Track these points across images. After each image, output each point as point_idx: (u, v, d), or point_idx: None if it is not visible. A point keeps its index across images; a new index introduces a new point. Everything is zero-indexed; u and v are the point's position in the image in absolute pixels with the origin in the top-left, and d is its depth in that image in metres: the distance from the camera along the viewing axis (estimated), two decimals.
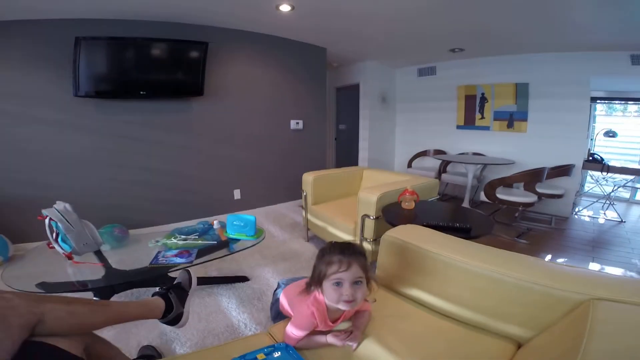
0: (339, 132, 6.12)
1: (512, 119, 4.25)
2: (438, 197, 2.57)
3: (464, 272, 1.16)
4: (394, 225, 1.61)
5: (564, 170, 3.59)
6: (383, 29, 3.38)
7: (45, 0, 2.31)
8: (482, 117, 4.54)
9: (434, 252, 1.25)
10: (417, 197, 2.06)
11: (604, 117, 4.75)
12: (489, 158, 4.28)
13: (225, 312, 1.90)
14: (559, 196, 3.50)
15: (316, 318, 1.03)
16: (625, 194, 4.58)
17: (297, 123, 4.14)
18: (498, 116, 4.38)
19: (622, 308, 0.83)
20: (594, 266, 2.67)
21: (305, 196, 2.87)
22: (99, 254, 1.82)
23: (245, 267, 2.49)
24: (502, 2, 2.52)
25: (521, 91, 4.09)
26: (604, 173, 3.80)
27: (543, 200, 3.49)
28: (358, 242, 2.20)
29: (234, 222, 2.08)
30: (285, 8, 2.80)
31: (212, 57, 3.21)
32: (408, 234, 1.41)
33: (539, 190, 3.37)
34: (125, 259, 1.85)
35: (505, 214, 3.84)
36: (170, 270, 1.73)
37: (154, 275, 1.76)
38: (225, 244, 2.04)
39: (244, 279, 2.29)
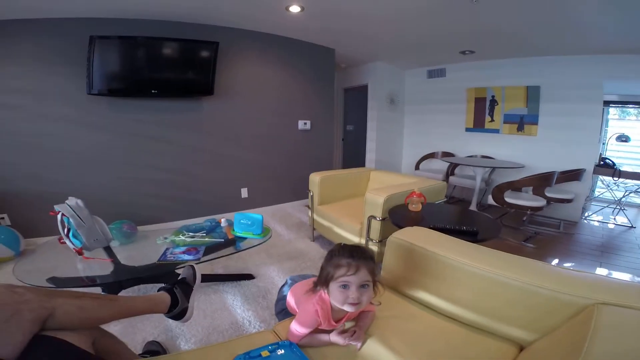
0: (347, 133, 6.12)
1: (522, 122, 4.20)
2: (445, 199, 2.56)
3: (470, 275, 1.16)
4: (400, 227, 1.61)
5: (574, 175, 3.54)
6: (393, 30, 3.37)
7: (61, 0, 2.36)
8: (492, 120, 4.50)
9: (441, 255, 1.25)
10: (424, 200, 2.06)
11: (617, 121, 4.67)
12: (498, 161, 4.24)
13: (230, 310, 1.92)
14: (569, 201, 3.46)
15: (320, 316, 1.04)
16: (636, 199, 4.49)
17: (305, 123, 4.15)
18: (508, 119, 4.34)
19: (626, 313, 0.83)
20: (601, 271, 2.63)
21: (312, 196, 2.87)
22: (108, 249, 1.85)
23: (251, 265, 2.51)
24: (514, 3, 2.49)
25: (532, 94, 4.05)
26: (616, 178, 3.74)
27: (552, 204, 3.45)
28: (364, 243, 2.20)
29: (242, 221, 2.11)
30: (295, 9, 2.81)
31: (223, 57, 3.23)
32: (415, 236, 1.41)
33: (548, 194, 3.33)
34: (133, 255, 1.88)
35: (513, 218, 3.81)
36: (178, 267, 1.75)
37: (162, 272, 1.78)
38: (232, 242, 2.06)
39: (249, 276, 2.31)
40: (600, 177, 4.17)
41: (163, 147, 3.22)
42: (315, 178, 2.86)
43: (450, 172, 4.65)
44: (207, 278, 2.21)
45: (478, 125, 4.67)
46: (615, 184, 4.11)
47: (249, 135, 3.72)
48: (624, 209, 3.90)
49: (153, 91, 2.93)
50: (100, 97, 2.80)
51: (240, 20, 3.18)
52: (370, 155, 5.42)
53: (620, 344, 0.70)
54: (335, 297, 1.00)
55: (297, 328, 1.06)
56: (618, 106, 4.55)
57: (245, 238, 2.09)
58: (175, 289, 1.23)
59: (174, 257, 1.79)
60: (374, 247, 2.16)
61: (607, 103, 4.14)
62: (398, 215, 1.99)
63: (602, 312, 0.82)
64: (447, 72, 4.94)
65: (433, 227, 1.56)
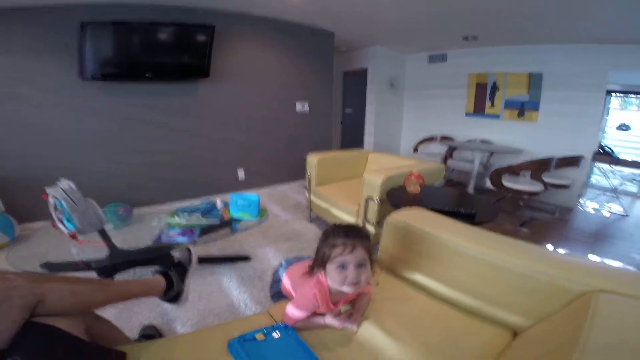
0: (345, 116, 6.11)
1: (523, 109, 4.19)
2: (443, 182, 2.55)
3: (468, 257, 1.15)
4: (398, 208, 1.60)
5: (572, 161, 3.54)
6: (394, 13, 3.29)
7: None
8: (492, 106, 4.49)
9: (439, 237, 1.24)
10: (423, 181, 2.04)
11: (618, 111, 4.66)
12: (497, 146, 4.25)
13: (226, 292, 1.92)
14: (566, 186, 3.47)
15: (318, 300, 1.02)
16: (632, 187, 4.52)
17: (303, 106, 4.12)
18: (509, 105, 4.33)
19: (623, 301, 0.81)
20: (592, 258, 2.66)
21: (309, 177, 2.86)
22: (102, 233, 1.79)
23: (247, 246, 2.51)
24: None
25: (534, 81, 4.02)
26: (613, 166, 3.74)
27: (549, 190, 3.46)
28: (361, 224, 2.20)
29: (237, 202, 2.06)
30: None
31: (219, 40, 3.17)
32: (413, 217, 1.40)
33: (545, 179, 3.33)
34: (128, 238, 1.85)
35: (509, 202, 3.82)
36: (173, 249, 1.73)
37: (157, 255, 1.74)
38: (228, 224, 2.02)
39: (245, 258, 2.30)
40: (598, 164, 4.16)
41: (158, 129, 3.18)
42: (312, 159, 2.84)
43: (448, 155, 4.68)
44: (203, 260, 2.21)
45: (478, 110, 4.65)
46: (612, 172, 4.11)
47: (246, 117, 3.69)
48: (619, 197, 3.92)
49: (147, 75, 2.87)
50: (94, 82, 2.74)
51: (237, 3, 3.10)
52: (368, 138, 5.42)
53: (617, 334, 0.68)
54: (334, 278, 0.98)
55: (293, 311, 1.05)
56: (620, 96, 4.52)
57: (241, 219, 2.05)
58: (171, 271, 1.21)
59: (169, 239, 1.76)
60: (371, 229, 2.15)
61: (609, 92, 4.11)
62: (396, 197, 1.97)
63: (599, 300, 0.80)
64: (449, 58, 4.89)
65: (431, 209, 1.54)
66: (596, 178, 4.57)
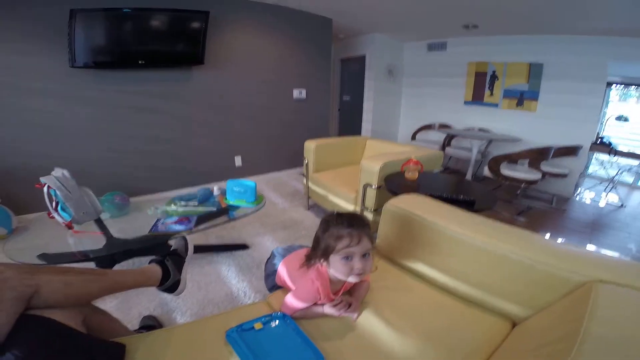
0: (343, 104, 6.08)
1: (522, 98, 4.19)
2: (442, 169, 2.54)
3: (467, 245, 1.14)
4: (396, 195, 1.58)
5: (570, 151, 3.54)
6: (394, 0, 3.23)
7: None
8: (492, 94, 4.48)
9: (438, 224, 1.22)
10: (422, 168, 2.03)
11: (617, 103, 4.65)
12: (495, 134, 4.25)
13: (225, 281, 1.91)
14: (564, 175, 3.48)
15: (320, 293, 1.01)
16: (628, 178, 4.54)
17: (300, 92, 4.08)
18: (508, 94, 4.32)
19: (624, 292, 0.80)
20: (590, 249, 2.67)
21: (307, 164, 2.84)
22: (99, 222, 1.77)
23: (245, 235, 2.49)
24: None
25: (535, 71, 4.01)
26: (611, 156, 3.75)
27: (546, 179, 3.47)
28: (359, 211, 2.19)
29: (234, 188, 2.03)
30: None
31: (214, 26, 3.11)
32: (411, 203, 1.38)
33: (543, 168, 3.33)
34: (125, 228, 1.80)
35: (506, 191, 3.83)
36: (171, 238, 1.70)
37: (154, 243, 1.72)
38: (225, 211, 1.99)
39: (243, 246, 2.29)
40: (596, 154, 4.16)
41: (153, 117, 3.12)
42: (310, 145, 2.82)
43: (446, 143, 4.69)
44: (201, 249, 2.18)
45: (477, 98, 4.64)
46: (609, 162, 4.12)
47: (243, 104, 3.64)
48: (616, 187, 3.93)
49: (140, 62, 2.79)
50: (85, 70, 2.67)
51: None
52: (366, 125, 5.41)
53: (618, 326, 0.67)
54: (339, 269, 0.96)
55: (293, 302, 1.03)
56: (620, 87, 4.50)
57: (238, 206, 2.02)
58: (167, 261, 1.18)
59: (165, 227, 1.73)
60: (369, 216, 2.14)
61: (609, 84, 4.10)
62: (394, 183, 1.96)
63: (600, 290, 0.79)
64: (448, 46, 4.86)
65: (430, 195, 1.52)
66: (593, 168, 4.59)
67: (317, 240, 1.01)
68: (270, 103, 3.86)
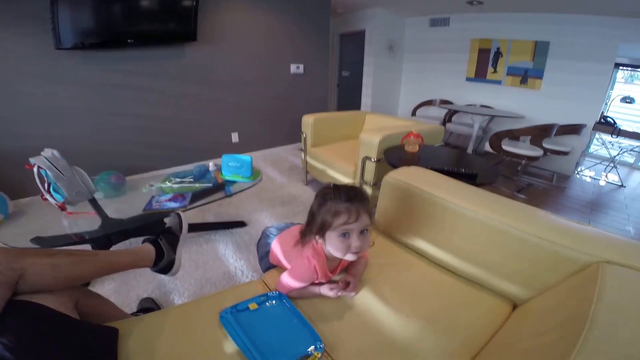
0: (342, 79, 5.98)
1: (526, 76, 4.12)
2: (442, 144, 2.49)
3: (468, 220, 1.09)
4: (396, 168, 1.53)
5: (574, 129, 3.51)
6: None
7: None
8: (495, 71, 4.40)
9: (439, 197, 1.16)
10: (422, 141, 1.98)
11: (623, 84, 4.57)
12: (498, 111, 4.20)
13: (223, 260, 1.88)
14: (565, 153, 3.46)
15: (317, 271, 0.96)
16: (629, 158, 4.52)
17: (298, 67, 3.98)
18: (512, 71, 4.25)
19: (634, 275, 0.76)
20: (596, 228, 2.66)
21: (305, 138, 2.79)
22: (94, 202, 1.71)
23: (243, 211, 2.46)
24: None
25: (540, 49, 3.93)
26: (614, 136, 3.71)
27: (547, 156, 3.45)
28: (358, 185, 2.14)
29: (229, 163, 1.98)
30: None
31: (206, 1, 2.99)
32: (411, 176, 1.32)
33: (545, 145, 3.31)
34: (122, 207, 1.75)
35: (507, 167, 3.81)
36: (168, 216, 1.64)
37: (149, 222, 1.66)
38: (221, 187, 1.94)
39: (241, 224, 2.25)
40: (598, 134, 4.12)
41: (146, 95, 3.03)
42: (308, 119, 2.76)
43: (447, 119, 4.65)
44: (198, 227, 2.15)
45: (480, 75, 4.56)
46: (611, 142, 4.09)
47: (238, 80, 3.55)
48: (617, 167, 3.90)
49: (129, 41, 2.66)
50: (72, 52, 2.54)
51: None
52: (366, 100, 5.35)
53: (628, 309, 0.63)
54: (335, 246, 0.90)
55: (290, 282, 0.99)
56: (628, 69, 4.41)
57: (234, 182, 1.97)
58: (160, 240, 1.13)
59: (160, 205, 1.68)
60: (368, 190, 2.11)
61: (617, 65, 4.01)
62: (394, 156, 1.91)
63: (608, 272, 0.74)
64: (451, 22, 4.74)
65: (431, 168, 1.46)
66: (594, 147, 4.56)
67: (312, 215, 0.94)
68: (267, 79, 3.77)
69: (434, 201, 1.17)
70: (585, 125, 3.61)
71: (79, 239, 1.50)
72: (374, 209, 1.43)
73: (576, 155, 3.84)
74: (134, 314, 1.27)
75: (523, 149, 3.22)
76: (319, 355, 0.82)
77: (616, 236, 0.92)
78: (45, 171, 1.50)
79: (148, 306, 1.47)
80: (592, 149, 4.57)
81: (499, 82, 4.38)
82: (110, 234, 1.59)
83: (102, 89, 2.79)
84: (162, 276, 1.59)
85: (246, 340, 0.83)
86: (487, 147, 3.46)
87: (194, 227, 2.11)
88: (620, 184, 3.68)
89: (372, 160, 2.05)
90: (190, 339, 0.87)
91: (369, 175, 2.11)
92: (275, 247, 1.18)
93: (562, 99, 3.86)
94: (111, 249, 1.64)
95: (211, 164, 2.15)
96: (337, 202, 0.88)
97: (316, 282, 1.01)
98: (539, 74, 4.00)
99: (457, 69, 4.79)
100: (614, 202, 3.23)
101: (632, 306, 0.64)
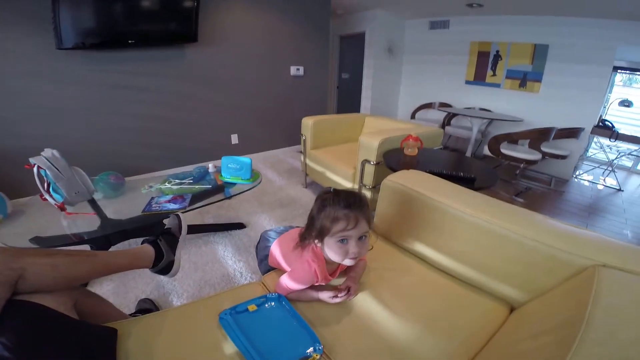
0: (342, 81, 5.99)
1: (525, 79, 4.13)
2: (441, 147, 2.49)
3: (467, 223, 1.09)
4: (395, 171, 1.53)
5: (572, 133, 3.52)
6: None
7: None
8: (494, 75, 4.42)
9: (437, 200, 1.17)
10: (421, 144, 1.98)
11: (622, 87, 4.58)
12: (497, 114, 4.20)
13: (222, 261, 1.88)
14: (563, 157, 3.46)
15: (318, 274, 0.97)
16: (627, 162, 4.53)
17: (298, 69, 3.98)
18: (511, 75, 4.26)
19: (630, 278, 0.76)
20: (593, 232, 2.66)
21: (305, 140, 2.79)
22: (93, 203, 1.72)
23: (242, 214, 2.46)
24: None
25: (539, 52, 3.94)
26: (612, 140, 3.72)
27: (546, 160, 3.46)
28: (357, 188, 2.15)
29: (229, 165, 1.98)
30: None
31: (208, 2, 3.00)
32: (411, 180, 1.32)
33: (544, 149, 3.32)
34: (122, 208, 1.75)
35: (505, 171, 3.82)
36: (168, 217, 1.65)
37: (148, 223, 1.65)
38: (220, 189, 1.94)
39: (240, 226, 2.26)
40: (597, 137, 4.14)
41: (146, 96, 3.03)
42: (308, 122, 2.76)
43: (446, 122, 4.67)
44: (198, 229, 2.15)
45: (479, 78, 4.58)
46: (608, 146, 4.11)
47: (238, 81, 3.55)
48: (615, 171, 3.92)
49: (130, 41, 2.67)
50: (73, 52, 2.54)
51: None
52: (365, 103, 5.35)
53: (624, 313, 0.63)
54: (334, 251, 0.91)
55: (289, 284, 1.00)
56: (627, 72, 4.43)
57: (234, 183, 1.97)
58: (160, 241, 1.13)
59: (159, 206, 1.67)
60: (367, 193, 2.11)
61: (615, 68, 4.03)
62: (393, 159, 1.92)
63: (604, 275, 0.75)
64: (451, 25, 4.75)
65: (430, 172, 1.47)
66: (592, 151, 4.58)
67: (311, 220, 0.95)
68: (267, 81, 3.78)
69: (433, 205, 1.18)
70: (584, 128, 3.62)
71: (78, 239, 1.50)
72: (372, 212, 1.44)
73: (574, 159, 3.84)
74: (133, 315, 1.26)
75: (522, 152, 3.23)
76: (318, 357, 0.82)
77: (612, 240, 0.92)
78: (45, 171, 1.50)
79: (147, 307, 1.47)
80: (591, 152, 4.58)
81: (498, 85, 4.39)
82: (109, 234, 1.59)
83: (103, 89, 2.79)
84: (161, 277, 1.59)
85: (245, 342, 0.84)
86: (486, 150, 3.46)
87: (193, 229, 2.11)
88: (618, 187, 3.68)
89: (372, 163, 2.05)
90: (189, 340, 0.88)
91: (368, 179, 2.11)
92: (275, 249, 1.18)
93: (560, 102, 3.87)
94: (110, 249, 1.64)
95: (211, 166, 2.16)
96: (336, 208, 0.88)
97: (316, 284, 1.01)
98: (538, 77, 4.01)
99: (456, 71, 4.80)
100: (612, 206, 3.23)
101: (628, 309, 0.65)
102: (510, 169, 3.78)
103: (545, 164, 3.75)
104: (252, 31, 3.47)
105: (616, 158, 3.98)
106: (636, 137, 3.73)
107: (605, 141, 4.02)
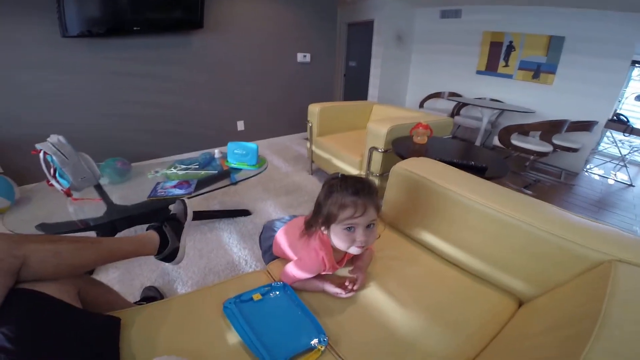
0: (349, 69, 5.90)
1: (539, 70, 4.02)
2: (450, 137, 2.45)
3: (477, 213, 1.06)
4: (404, 158, 1.49)
5: (585, 126, 3.43)
6: None
7: None
8: (506, 65, 4.31)
9: (450, 190, 1.13)
10: (431, 132, 1.94)
11: (638, 82, 4.45)
12: (508, 105, 4.12)
13: (227, 249, 1.88)
14: (575, 150, 3.39)
15: (326, 262, 0.95)
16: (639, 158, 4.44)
17: (305, 56, 3.94)
18: (524, 66, 4.15)
19: None
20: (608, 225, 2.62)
21: (311, 127, 2.77)
22: (99, 189, 1.71)
23: (247, 200, 2.46)
24: None
25: (555, 44, 3.83)
26: (626, 134, 3.64)
27: (556, 152, 3.39)
28: (364, 175, 2.12)
29: (235, 151, 1.97)
30: None
31: None
32: (420, 167, 1.29)
33: (555, 141, 3.25)
34: (128, 194, 1.73)
35: (515, 162, 3.76)
36: (171, 202, 1.62)
37: (154, 209, 1.63)
38: (226, 175, 1.93)
39: (245, 212, 2.25)
40: (610, 131, 4.05)
41: (152, 83, 3.02)
42: (314, 108, 2.73)
43: (455, 112, 4.59)
44: (203, 215, 2.14)
45: (491, 69, 4.47)
46: (621, 141, 4.03)
47: (245, 68, 3.53)
48: (627, 166, 3.84)
49: (135, 28, 2.64)
50: (78, 40, 2.53)
51: None
52: (373, 91, 5.28)
53: None
54: (340, 239, 0.88)
55: (295, 273, 0.98)
56: None
57: (240, 169, 1.96)
58: (165, 227, 1.11)
59: (164, 192, 1.67)
60: (374, 180, 2.07)
61: (633, 63, 3.91)
62: (402, 147, 1.89)
63: (621, 270, 0.71)
64: (463, 14, 4.62)
65: (440, 160, 1.44)
66: (604, 145, 4.49)
67: (318, 206, 0.92)
68: (273, 67, 3.74)
69: (445, 194, 1.15)
70: (597, 122, 3.53)
71: (84, 225, 1.49)
72: (380, 200, 1.41)
73: (586, 152, 3.77)
74: (137, 303, 1.26)
75: (532, 144, 3.17)
76: (323, 349, 0.81)
77: (629, 235, 0.89)
78: (51, 157, 1.50)
79: (151, 295, 1.46)
80: (603, 146, 4.50)
81: (510, 76, 4.29)
82: (114, 220, 1.58)
83: (108, 77, 2.78)
84: (166, 264, 1.58)
85: (249, 332, 0.82)
86: (496, 141, 3.40)
87: (198, 215, 2.11)
88: (629, 183, 3.62)
89: (380, 150, 2.03)
90: (193, 329, 0.87)
91: (376, 166, 2.09)
92: (281, 237, 1.16)
93: (574, 95, 3.77)
94: (115, 236, 1.63)
95: (217, 152, 2.14)
96: (343, 194, 0.85)
97: (323, 273, 1.00)
98: (552, 69, 3.90)
99: (467, 61, 4.70)
100: (622, 201, 3.17)
101: None
102: (519, 161, 3.73)
103: (555, 157, 3.70)
104: (258, 17, 3.42)
105: (629, 153, 3.90)
106: None
107: (618, 135, 3.93)
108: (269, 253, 1.23)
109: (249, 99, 3.68)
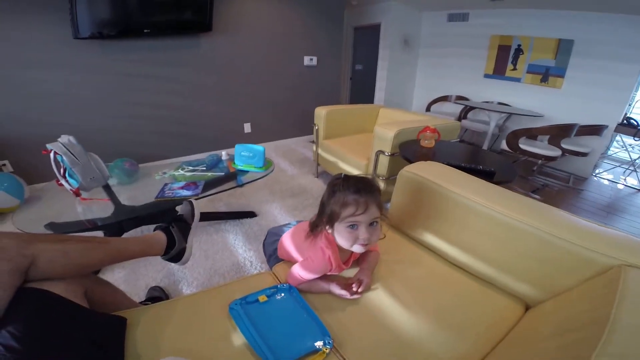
0: (355, 72, 5.91)
1: (547, 74, 4.00)
2: (457, 141, 2.43)
3: (484, 217, 1.06)
4: (411, 162, 1.49)
5: (595, 130, 3.39)
6: None
7: None
8: (514, 69, 4.28)
9: (458, 194, 1.13)
10: (439, 136, 1.94)
11: None
12: (516, 109, 4.09)
13: (232, 250, 1.88)
14: (584, 154, 3.35)
15: (332, 261, 0.95)
16: None
17: (311, 59, 3.96)
18: (532, 69, 4.12)
19: None
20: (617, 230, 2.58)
21: (317, 130, 2.77)
22: (107, 189, 1.73)
23: (253, 202, 2.46)
24: None
25: (564, 48, 3.80)
26: (636, 138, 3.59)
27: (565, 157, 3.35)
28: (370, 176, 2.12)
29: (242, 153, 1.99)
30: None
31: None
32: (428, 171, 1.29)
33: (564, 146, 3.21)
34: (135, 195, 1.75)
35: (522, 166, 3.73)
36: (178, 203, 1.63)
37: (161, 210, 1.65)
38: (233, 176, 1.95)
39: (251, 214, 2.26)
40: (620, 136, 4.00)
41: (160, 85, 3.05)
42: (321, 112, 2.74)
43: (462, 116, 4.57)
44: (209, 216, 2.15)
45: (498, 72, 4.45)
46: (631, 145, 3.97)
47: (252, 70, 3.56)
48: (637, 171, 3.78)
49: (145, 31, 2.68)
50: (89, 41, 2.57)
51: None
52: (379, 94, 5.29)
53: None
54: (344, 237, 0.89)
55: (302, 274, 0.98)
56: None
57: (246, 171, 1.98)
58: (172, 227, 1.11)
59: (172, 193, 1.68)
60: (380, 184, 2.08)
61: None
62: (409, 151, 1.88)
63: (631, 275, 0.70)
64: (471, 18, 4.61)
65: (447, 164, 1.43)
66: (614, 149, 4.43)
67: (322, 206, 0.94)
68: (280, 70, 3.76)
69: (453, 198, 1.14)
70: (607, 126, 3.49)
71: (92, 225, 1.51)
72: (387, 203, 1.41)
73: (595, 157, 3.73)
74: (143, 303, 1.27)
75: (541, 148, 3.14)
76: (328, 351, 0.81)
77: (639, 239, 0.87)
78: (62, 157, 1.52)
79: (157, 295, 1.47)
80: (612, 151, 4.44)
81: (518, 80, 4.26)
82: (122, 221, 1.59)
83: (118, 78, 2.82)
84: (172, 265, 1.59)
85: (255, 334, 0.83)
86: (503, 145, 3.37)
87: (205, 216, 2.09)
88: (639, 188, 3.56)
89: (386, 154, 2.02)
90: (199, 330, 0.87)
91: (382, 170, 2.08)
92: (286, 240, 1.16)
93: (583, 99, 3.74)
94: (122, 236, 1.65)
95: (224, 154, 2.16)
96: (345, 193, 0.87)
97: (329, 273, 1.00)
98: (560, 73, 3.87)
99: (474, 65, 4.68)
100: (632, 206, 3.12)
101: None
102: (527, 165, 3.69)
103: (564, 161, 3.66)
104: (266, 20, 3.45)
105: (639, 157, 3.84)
106: None
107: (628, 140, 3.87)
108: (273, 257, 1.24)
109: (256, 101, 3.71)
